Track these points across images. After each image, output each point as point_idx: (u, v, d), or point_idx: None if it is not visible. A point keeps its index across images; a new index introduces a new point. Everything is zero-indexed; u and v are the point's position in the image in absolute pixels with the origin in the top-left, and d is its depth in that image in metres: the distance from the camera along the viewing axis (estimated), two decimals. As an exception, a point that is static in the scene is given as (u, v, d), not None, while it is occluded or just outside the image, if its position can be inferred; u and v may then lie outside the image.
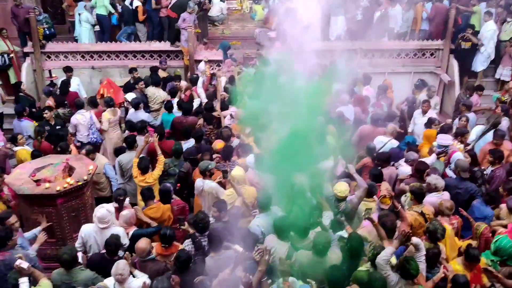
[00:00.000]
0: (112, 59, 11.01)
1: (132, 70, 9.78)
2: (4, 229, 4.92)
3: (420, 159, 6.69)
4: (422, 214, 5.48)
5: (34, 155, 6.93)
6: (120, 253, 5.06)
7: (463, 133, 7.42)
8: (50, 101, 9.00)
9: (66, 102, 8.88)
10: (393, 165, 7.03)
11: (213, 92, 9.13)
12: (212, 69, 10.21)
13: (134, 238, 5.21)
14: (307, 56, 6.69)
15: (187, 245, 5.05)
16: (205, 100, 8.99)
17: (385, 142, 7.34)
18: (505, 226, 5.52)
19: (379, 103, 8.90)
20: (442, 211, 5.50)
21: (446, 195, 5.87)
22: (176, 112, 8.43)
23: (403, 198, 6.09)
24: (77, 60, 10.98)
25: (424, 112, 8.47)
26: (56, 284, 4.60)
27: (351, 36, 11.03)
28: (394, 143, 7.45)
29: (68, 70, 9.92)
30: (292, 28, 6.43)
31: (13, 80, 10.47)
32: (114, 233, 5.11)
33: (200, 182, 6.20)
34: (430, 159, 6.69)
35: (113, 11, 11.23)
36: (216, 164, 6.55)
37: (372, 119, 7.99)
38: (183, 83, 9.60)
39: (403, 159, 6.96)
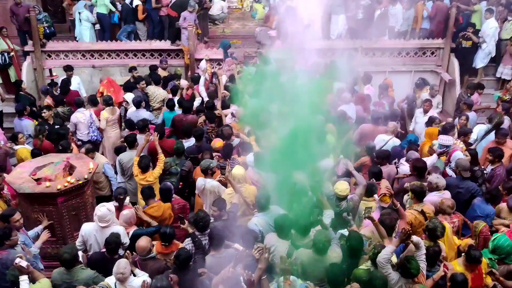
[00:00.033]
0: (112, 58, 11.01)
1: (131, 69, 9.79)
2: (2, 229, 4.93)
3: (418, 157, 6.66)
4: (422, 212, 5.48)
5: (34, 154, 6.93)
6: (120, 252, 5.06)
7: (466, 133, 7.40)
8: (48, 100, 9.01)
9: (65, 100, 8.89)
10: (394, 164, 7.03)
11: (214, 90, 9.13)
12: (213, 68, 10.20)
13: (134, 238, 5.20)
14: (307, 55, 6.70)
15: (188, 243, 5.06)
16: (206, 99, 9.00)
17: (386, 141, 7.34)
18: (507, 226, 5.54)
19: (381, 102, 8.89)
20: (444, 210, 5.50)
21: (447, 194, 5.87)
22: (178, 110, 8.44)
23: (405, 197, 6.08)
24: (78, 59, 10.99)
25: (425, 112, 8.46)
26: (57, 283, 4.60)
27: (352, 34, 11.04)
28: (396, 141, 7.44)
29: (68, 69, 9.92)
30: (293, 27, 6.44)
31: (13, 79, 10.47)
32: (115, 231, 5.11)
33: (201, 181, 6.20)
34: (431, 159, 6.68)
35: (114, 9, 11.23)
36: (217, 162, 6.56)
37: (372, 118, 7.98)
38: (183, 82, 9.61)
39: (404, 158, 6.95)
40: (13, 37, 11.05)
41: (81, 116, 8.30)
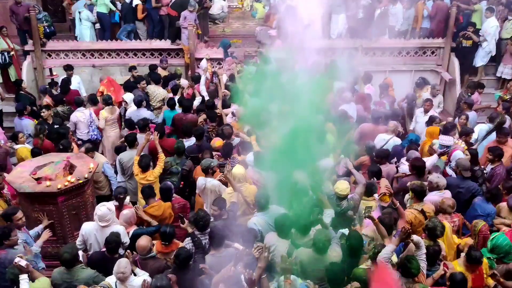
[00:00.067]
0: (112, 58, 11.00)
1: (131, 69, 9.79)
2: (1, 228, 4.94)
3: (417, 157, 6.65)
4: (422, 212, 5.48)
5: (34, 153, 6.94)
6: (121, 251, 5.06)
7: (468, 133, 7.38)
8: (47, 99, 9.01)
9: (64, 99, 8.89)
10: (395, 163, 7.03)
11: (215, 90, 9.13)
12: (213, 67, 10.20)
13: (134, 238, 5.21)
14: (308, 54, 6.70)
15: (188, 243, 5.06)
16: (207, 98, 9.00)
17: (387, 140, 7.34)
18: (508, 225, 5.54)
19: (382, 102, 8.89)
20: (445, 209, 5.50)
21: (447, 193, 5.87)
22: (179, 109, 8.45)
23: (406, 197, 6.08)
24: (78, 58, 10.98)
25: (426, 111, 8.46)
26: (57, 283, 4.60)
27: (352, 34, 11.03)
28: (397, 140, 7.44)
29: (68, 68, 9.92)
30: (293, 26, 6.43)
31: (13, 78, 10.46)
32: (115, 231, 5.11)
33: (202, 180, 6.20)
34: (431, 160, 6.68)
35: (114, 9, 11.22)
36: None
37: (372, 117, 7.98)
38: (183, 81, 9.60)
39: (405, 158, 6.94)
40: (13, 36, 11.04)
41: (81, 115, 8.30)
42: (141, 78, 9.31)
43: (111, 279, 4.50)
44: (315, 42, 6.57)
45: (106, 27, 11.42)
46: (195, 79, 9.55)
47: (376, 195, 5.85)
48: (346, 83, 8.67)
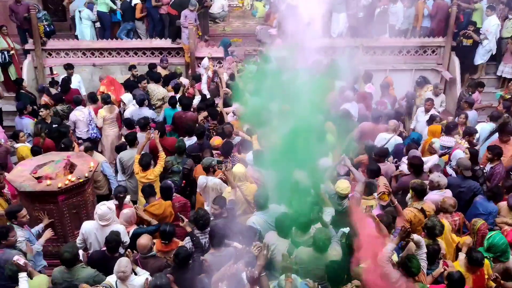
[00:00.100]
0: (113, 57, 11.01)
1: (131, 67, 9.79)
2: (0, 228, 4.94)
3: (414, 155, 6.64)
4: (422, 210, 5.48)
5: (34, 151, 6.93)
6: (121, 251, 5.06)
7: (472, 133, 7.37)
8: (45, 98, 9.01)
9: (64, 98, 8.89)
10: (396, 162, 7.02)
11: (216, 88, 9.13)
12: (214, 66, 10.20)
13: (134, 237, 5.20)
14: (308, 53, 6.69)
15: (187, 242, 5.06)
16: (208, 96, 8.99)
17: (388, 139, 7.33)
18: (510, 225, 5.53)
19: (383, 101, 8.88)
20: (446, 209, 5.49)
21: (448, 192, 5.87)
22: (179, 108, 8.44)
23: (408, 196, 6.08)
24: (78, 57, 10.99)
25: (427, 111, 8.45)
26: (57, 282, 4.60)
27: (353, 33, 11.03)
28: (398, 139, 7.43)
29: (69, 67, 9.92)
30: (293, 25, 6.43)
31: (13, 77, 10.46)
32: (115, 230, 5.11)
33: (203, 179, 6.19)
34: (432, 160, 6.67)
35: (114, 7, 11.22)
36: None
37: (372, 116, 7.97)
38: (183, 80, 9.59)
39: (406, 157, 6.94)
40: (13, 35, 11.03)
41: (80, 114, 8.31)
42: (142, 77, 9.31)
43: (111, 278, 4.50)
44: (315, 41, 6.57)
45: (107, 26, 11.43)
46: (196, 78, 9.55)
47: (375, 194, 5.85)
48: (346, 82, 8.66)
